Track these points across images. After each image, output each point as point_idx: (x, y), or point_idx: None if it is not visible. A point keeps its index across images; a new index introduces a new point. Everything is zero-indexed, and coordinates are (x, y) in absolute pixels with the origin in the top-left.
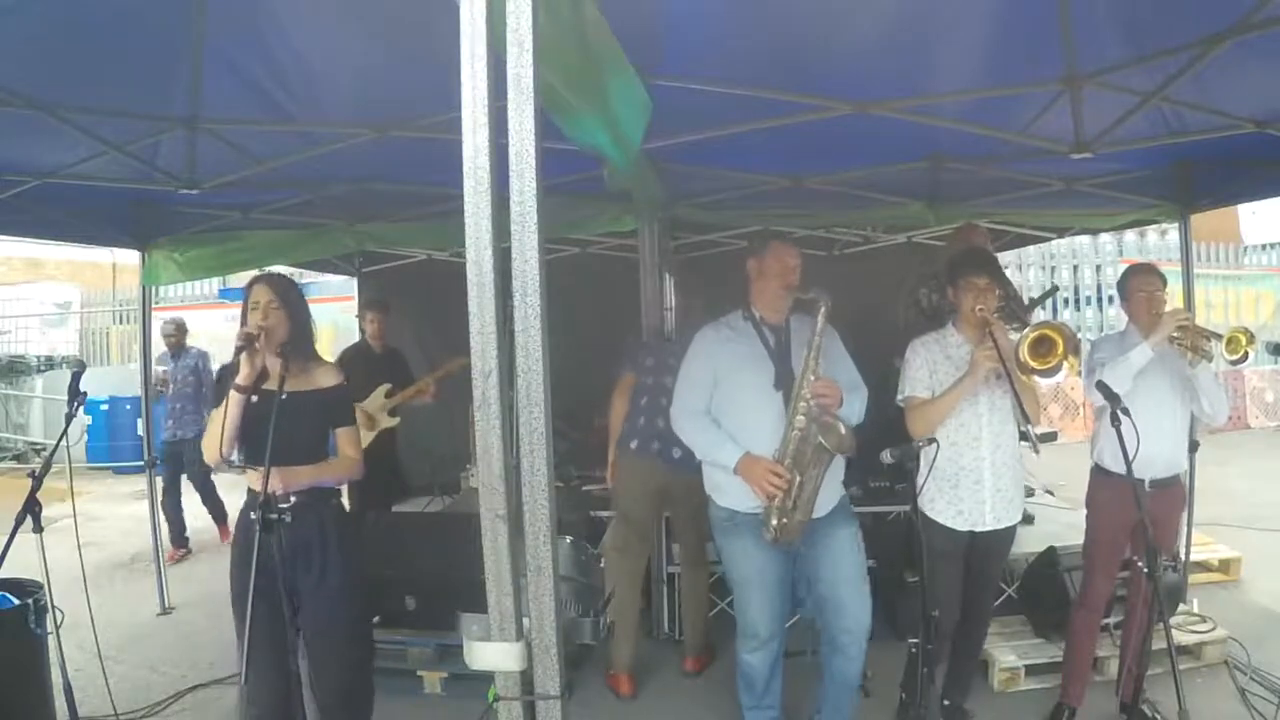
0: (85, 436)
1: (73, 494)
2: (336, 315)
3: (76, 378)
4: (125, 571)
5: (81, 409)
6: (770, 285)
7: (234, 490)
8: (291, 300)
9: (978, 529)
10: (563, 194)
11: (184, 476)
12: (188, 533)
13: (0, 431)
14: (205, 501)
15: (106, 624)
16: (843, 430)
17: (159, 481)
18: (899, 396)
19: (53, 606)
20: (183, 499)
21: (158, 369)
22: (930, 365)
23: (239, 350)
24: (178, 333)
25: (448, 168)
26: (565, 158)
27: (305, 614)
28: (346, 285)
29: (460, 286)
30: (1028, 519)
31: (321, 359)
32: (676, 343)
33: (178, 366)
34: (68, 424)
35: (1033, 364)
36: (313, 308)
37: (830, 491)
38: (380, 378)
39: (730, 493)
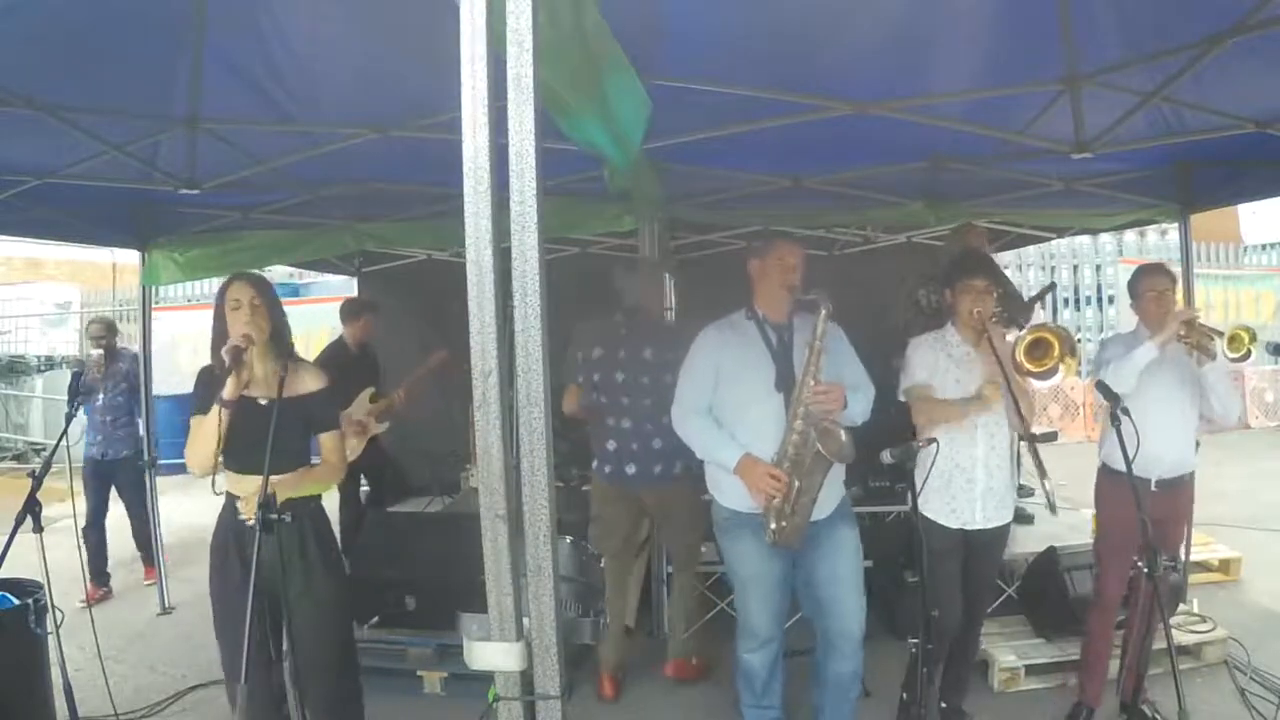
0: (85, 436)
1: (73, 494)
2: (335, 316)
3: (77, 378)
4: (125, 571)
5: (82, 409)
6: (771, 285)
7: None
8: (271, 299)
9: (969, 527)
10: (563, 194)
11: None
12: (109, 563)
13: (0, 431)
14: (136, 532)
15: (106, 624)
16: (843, 437)
17: (81, 507)
18: (901, 389)
19: (53, 606)
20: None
21: (93, 353)
22: (931, 361)
23: (230, 366)
24: (108, 333)
25: (448, 168)
26: (565, 158)
27: (291, 619)
28: (346, 285)
29: (460, 286)
30: (1027, 519)
31: (303, 361)
32: (627, 334)
33: (108, 373)
34: (68, 424)
35: (1029, 366)
36: (313, 308)
37: (831, 493)
38: (357, 378)
39: (731, 493)
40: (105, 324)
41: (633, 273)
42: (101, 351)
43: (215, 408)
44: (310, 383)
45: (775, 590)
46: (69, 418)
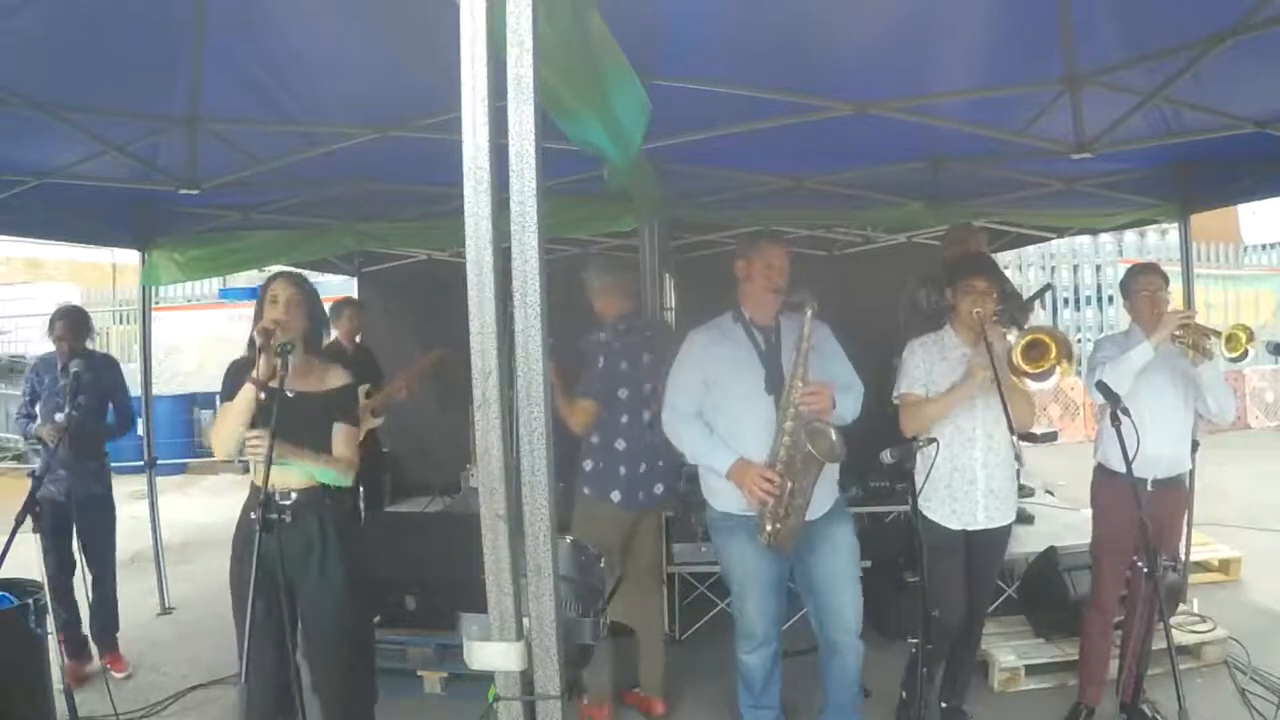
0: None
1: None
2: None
3: (77, 378)
4: (125, 571)
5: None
6: (757, 286)
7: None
8: (310, 299)
9: (970, 528)
10: (563, 194)
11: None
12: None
13: (0, 431)
14: (98, 603)
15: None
16: (833, 437)
17: (45, 563)
18: (894, 394)
19: (53, 606)
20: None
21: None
22: (927, 365)
23: (259, 347)
24: (77, 330)
25: (448, 168)
26: (565, 158)
27: (306, 612)
28: (346, 285)
29: (460, 286)
30: (1027, 519)
31: (331, 361)
32: (636, 340)
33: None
34: (68, 424)
35: (1025, 368)
36: None
37: (825, 493)
38: (355, 376)
39: (724, 496)
40: (73, 320)
41: (609, 272)
42: (66, 352)
43: (245, 387)
44: (335, 379)
45: (771, 591)
46: (69, 417)
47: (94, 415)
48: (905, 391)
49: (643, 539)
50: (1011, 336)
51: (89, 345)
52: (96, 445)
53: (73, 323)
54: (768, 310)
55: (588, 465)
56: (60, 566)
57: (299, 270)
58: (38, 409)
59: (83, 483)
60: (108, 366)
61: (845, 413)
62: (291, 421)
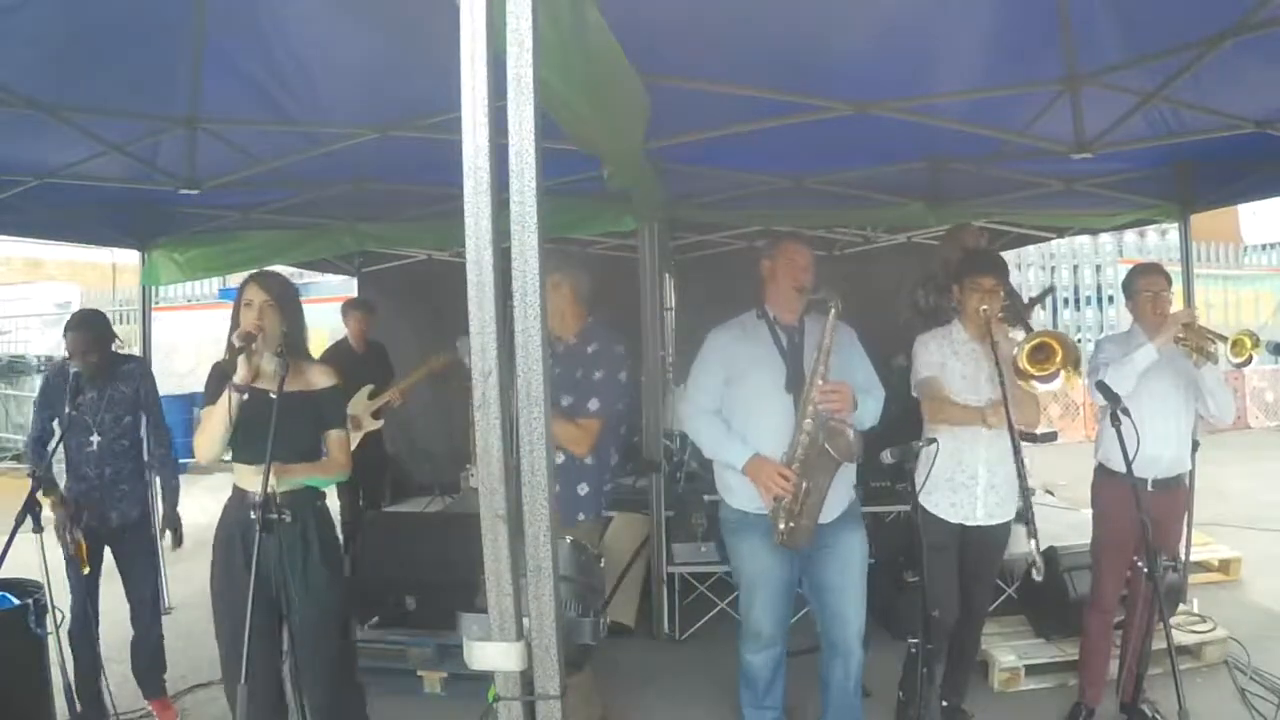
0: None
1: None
2: (335, 316)
3: (77, 378)
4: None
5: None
6: (782, 285)
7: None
8: (285, 300)
9: (968, 523)
10: (563, 194)
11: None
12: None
13: (0, 431)
14: (140, 638)
15: (106, 624)
16: (850, 436)
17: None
18: (914, 380)
19: (53, 606)
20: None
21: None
22: (937, 361)
23: (238, 350)
24: (93, 341)
25: (448, 168)
26: (565, 158)
27: (291, 614)
28: (346, 285)
29: (460, 286)
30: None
31: (314, 359)
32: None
33: (102, 399)
34: (67, 424)
35: (1031, 370)
36: (312, 308)
37: (839, 495)
38: (363, 377)
39: (740, 493)
40: (83, 331)
41: (585, 268)
42: (93, 362)
43: (225, 394)
44: (319, 379)
45: (781, 592)
46: (69, 417)
47: (125, 431)
48: (927, 376)
49: (613, 539)
50: (1015, 335)
51: (113, 349)
52: (134, 465)
53: (81, 334)
54: (793, 309)
55: (583, 489)
56: (84, 599)
57: (275, 270)
58: (55, 425)
59: (116, 506)
60: (140, 372)
61: (865, 416)
62: (277, 422)
